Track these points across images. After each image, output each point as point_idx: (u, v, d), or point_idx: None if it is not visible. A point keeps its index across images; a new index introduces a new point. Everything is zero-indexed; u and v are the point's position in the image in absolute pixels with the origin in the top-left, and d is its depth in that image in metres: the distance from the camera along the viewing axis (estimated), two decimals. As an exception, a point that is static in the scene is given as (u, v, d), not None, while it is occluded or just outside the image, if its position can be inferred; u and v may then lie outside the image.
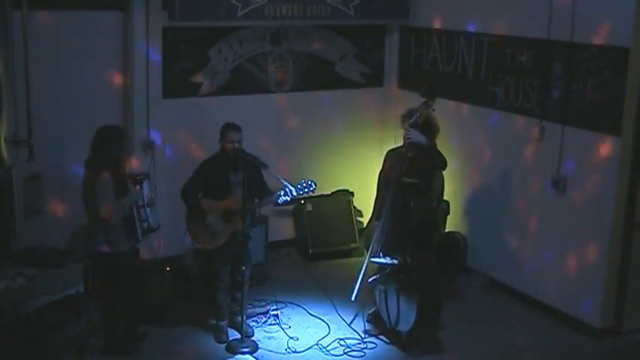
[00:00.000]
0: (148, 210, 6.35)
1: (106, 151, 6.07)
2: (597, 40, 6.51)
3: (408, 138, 6.33)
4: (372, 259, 6.57)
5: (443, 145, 7.98)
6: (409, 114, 6.44)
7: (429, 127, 6.48)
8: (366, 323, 6.84)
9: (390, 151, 6.74)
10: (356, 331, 6.78)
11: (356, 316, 6.95)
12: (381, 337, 6.69)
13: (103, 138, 6.12)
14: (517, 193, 7.46)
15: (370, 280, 6.66)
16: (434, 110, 6.38)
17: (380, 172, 6.71)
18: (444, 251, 7.95)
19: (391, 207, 6.43)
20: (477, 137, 7.90)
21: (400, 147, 6.54)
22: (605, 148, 6.54)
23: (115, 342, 6.30)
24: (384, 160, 6.73)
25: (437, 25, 8.28)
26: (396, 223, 6.44)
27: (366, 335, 6.70)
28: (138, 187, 6.35)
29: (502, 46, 7.47)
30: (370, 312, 6.92)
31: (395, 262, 6.44)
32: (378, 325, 6.81)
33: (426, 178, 6.45)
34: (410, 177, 6.38)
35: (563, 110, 6.88)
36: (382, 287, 6.65)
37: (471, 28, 7.82)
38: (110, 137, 6.13)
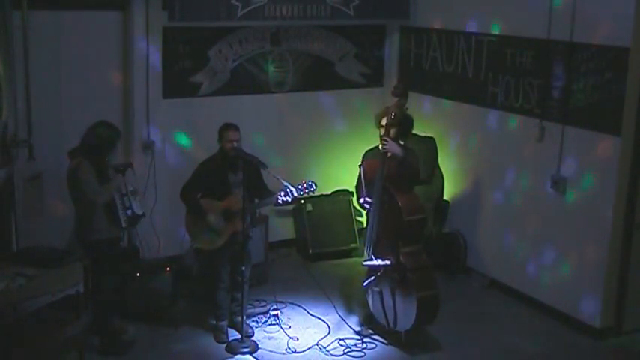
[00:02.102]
0: (132, 198, 6.36)
1: (89, 144, 6.14)
2: (597, 40, 6.51)
3: (385, 148, 6.36)
4: (364, 263, 6.59)
5: (443, 145, 8.04)
6: (384, 113, 6.46)
7: (405, 125, 6.52)
8: (363, 323, 6.85)
9: (367, 152, 6.74)
10: (356, 331, 6.78)
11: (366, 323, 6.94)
12: (379, 336, 6.69)
13: (94, 137, 6.17)
14: (517, 193, 7.46)
15: (365, 283, 6.67)
16: (407, 109, 6.42)
17: (358, 178, 6.70)
18: (444, 251, 7.96)
19: (378, 208, 6.44)
20: (477, 137, 7.90)
21: (377, 147, 6.56)
22: (605, 148, 6.54)
23: (110, 340, 6.31)
24: (363, 159, 6.73)
25: (437, 25, 8.28)
26: (385, 224, 6.44)
27: (360, 336, 6.70)
28: (120, 175, 6.35)
29: (502, 46, 7.47)
30: (368, 313, 6.92)
31: (387, 262, 6.45)
32: (372, 326, 6.80)
33: (410, 177, 6.47)
34: (393, 176, 6.39)
35: (563, 110, 6.88)
36: (377, 289, 6.64)
37: (471, 28, 7.82)
38: (101, 138, 6.17)
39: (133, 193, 6.39)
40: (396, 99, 6.38)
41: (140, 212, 6.43)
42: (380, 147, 6.45)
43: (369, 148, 6.74)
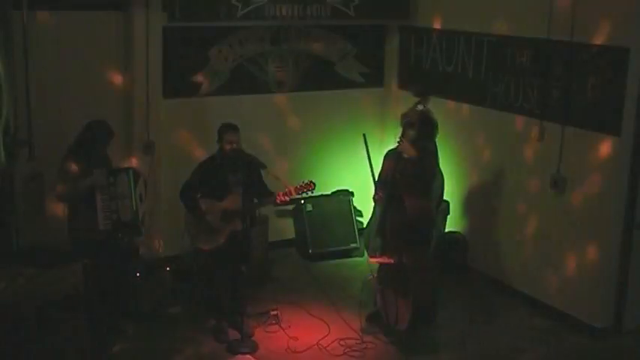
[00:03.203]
0: (120, 202, 6.28)
1: (78, 141, 6.18)
2: (597, 40, 6.52)
3: (399, 148, 6.35)
4: (369, 259, 6.60)
5: (443, 145, 8.02)
6: (405, 114, 6.46)
7: (428, 126, 6.49)
8: (364, 322, 6.85)
9: (389, 151, 6.75)
10: (356, 331, 6.78)
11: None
12: (380, 336, 6.69)
13: (83, 130, 6.22)
14: (517, 193, 7.46)
15: (367, 280, 6.67)
16: (428, 110, 6.40)
17: (379, 173, 6.72)
18: (444, 251, 7.96)
19: (387, 206, 6.45)
20: (477, 137, 7.90)
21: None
22: (605, 148, 6.54)
23: (99, 344, 6.29)
24: (384, 159, 6.73)
25: (437, 25, 8.28)
26: (392, 222, 6.45)
27: (361, 335, 6.70)
28: (112, 178, 6.29)
29: (502, 46, 7.47)
30: (370, 312, 6.92)
31: (392, 261, 6.45)
32: (377, 324, 6.81)
33: (422, 178, 6.46)
34: (405, 177, 6.39)
35: (563, 110, 6.88)
36: (379, 287, 6.66)
37: (471, 29, 7.81)
38: (88, 132, 6.21)
39: (122, 197, 6.29)
40: (416, 99, 6.36)
41: (126, 219, 6.27)
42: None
43: (391, 147, 6.72)
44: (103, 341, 6.28)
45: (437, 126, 6.63)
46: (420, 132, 6.40)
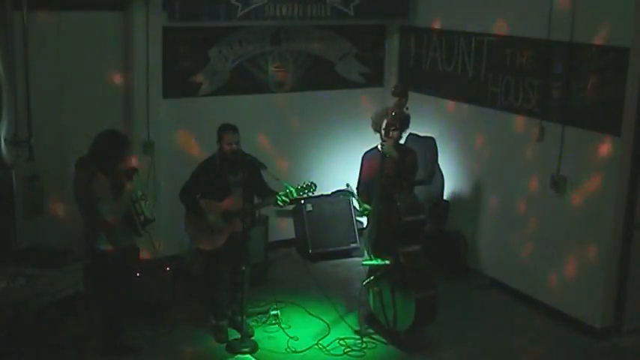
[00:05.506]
0: (142, 203, 6.30)
1: (104, 157, 5.97)
2: (597, 40, 6.52)
3: (384, 148, 6.40)
4: (364, 262, 6.62)
5: (443, 145, 8.04)
6: (384, 114, 6.47)
7: (406, 125, 6.57)
8: (364, 322, 6.84)
9: (366, 152, 6.77)
10: (355, 331, 6.78)
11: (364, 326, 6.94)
12: (379, 336, 6.69)
13: (106, 145, 6.01)
14: (517, 193, 7.46)
15: (365, 282, 6.67)
16: (407, 109, 6.42)
17: (359, 177, 6.74)
18: (444, 251, 7.96)
19: (377, 207, 6.45)
20: (477, 137, 7.90)
21: (375, 148, 6.60)
22: (605, 148, 6.54)
23: (116, 342, 6.29)
24: (362, 162, 6.76)
25: (437, 25, 8.28)
26: (384, 223, 6.45)
27: (360, 336, 6.69)
28: (131, 182, 6.28)
29: (502, 46, 7.47)
30: (370, 312, 6.92)
31: (386, 262, 6.46)
32: (372, 325, 6.80)
33: (408, 175, 6.49)
34: (391, 177, 6.40)
35: (563, 110, 6.88)
36: (376, 289, 6.65)
37: (471, 28, 7.81)
38: (113, 146, 6.01)
39: (143, 198, 6.32)
40: (396, 99, 6.40)
41: (151, 217, 6.31)
42: (379, 147, 6.48)
43: (368, 149, 6.76)
44: (110, 342, 6.28)
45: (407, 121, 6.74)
46: (403, 130, 6.53)
